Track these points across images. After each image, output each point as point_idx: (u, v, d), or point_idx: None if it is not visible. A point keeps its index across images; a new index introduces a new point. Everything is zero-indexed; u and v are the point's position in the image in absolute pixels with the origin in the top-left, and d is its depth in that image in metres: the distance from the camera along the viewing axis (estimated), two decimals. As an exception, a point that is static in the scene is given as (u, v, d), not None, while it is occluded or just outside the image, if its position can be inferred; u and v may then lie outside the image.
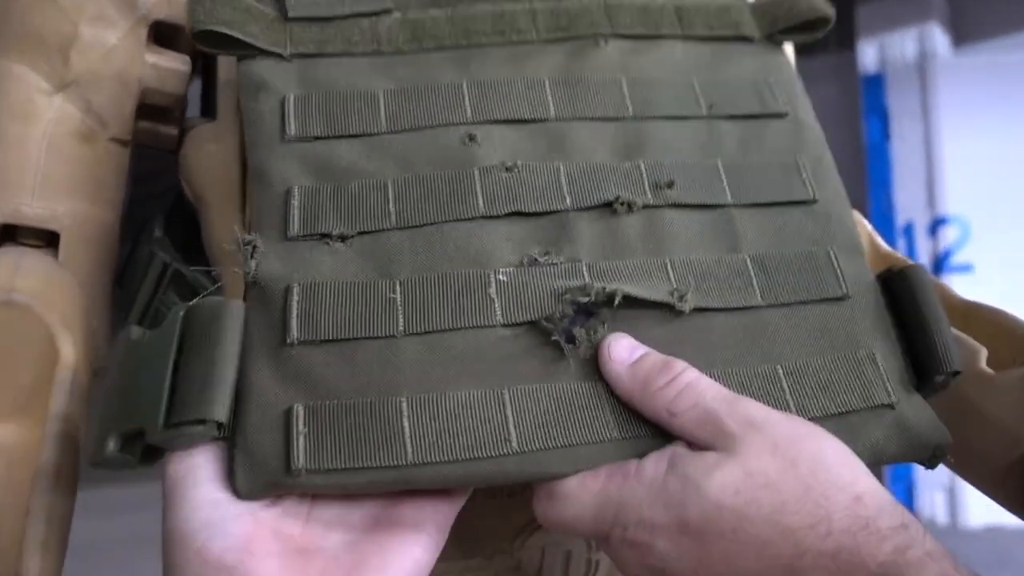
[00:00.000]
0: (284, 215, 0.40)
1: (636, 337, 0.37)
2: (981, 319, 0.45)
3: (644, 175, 0.42)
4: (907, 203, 3.00)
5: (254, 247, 0.38)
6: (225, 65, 0.51)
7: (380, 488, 0.34)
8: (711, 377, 0.36)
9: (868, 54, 3.14)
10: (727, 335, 0.39)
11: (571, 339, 0.37)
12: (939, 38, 3.02)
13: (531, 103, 0.44)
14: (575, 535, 0.36)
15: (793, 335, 0.39)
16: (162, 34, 0.51)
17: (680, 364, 0.36)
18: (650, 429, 0.36)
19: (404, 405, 0.34)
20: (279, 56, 0.44)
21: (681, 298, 0.38)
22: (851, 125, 3.21)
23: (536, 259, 0.39)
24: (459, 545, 0.49)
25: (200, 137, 0.52)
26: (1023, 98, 2.91)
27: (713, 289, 0.39)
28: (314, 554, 0.33)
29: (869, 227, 0.54)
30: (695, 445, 0.34)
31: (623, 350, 0.36)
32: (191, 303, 0.36)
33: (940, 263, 2.94)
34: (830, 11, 0.50)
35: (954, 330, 0.42)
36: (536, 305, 0.37)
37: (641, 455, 0.35)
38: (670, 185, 0.42)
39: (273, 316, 0.37)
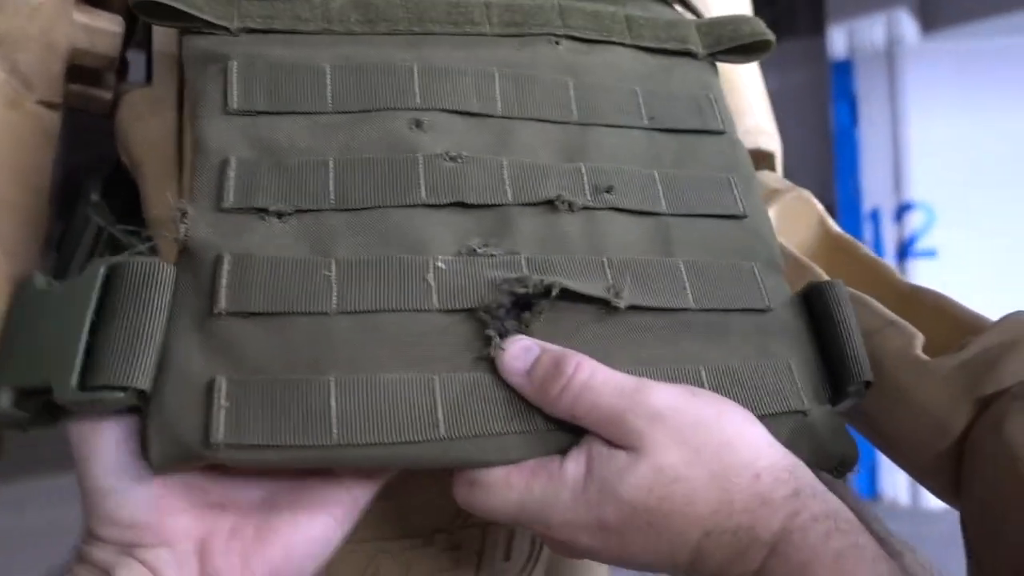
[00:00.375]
0: (219, 185, 0.38)
1: (571, 332, 0.38)
2: (923, 303, 0.45)
3: (585, 178, 0.43)
4: (874, 188, 3.03)
5: (184, 213, 0.37)
6: (160, 31, 0.49)
7: (301, 466, 0.34)
8: (642, 375, 0.36)
9: (837, 40, 3.16)
10: (658, 334, 0.39)
11: (504, 331, 0.37)
12: (907, 24, 3.05)
13: (480, 95, 0.44)
14: (497, 522, 0.37)
15: (719, 341, 0.40)
16: (92, -7, 0.49)
17: (572, 362, 0.35)
18: None
19: (332, 384, 0.34)
20: (225, 30, 0.43)
21: (617, 294, 0.38)
22: (820, 110, 3.24)
23: (475, 249, 0.39)
24: (399, 524, 0.48)
25: (135, 103, 0.50)
26: (990, 84, 2.94)
27: (648, 289, 0.40)
28: (227, 508, 0.34)
29: (820, 208, 0.54)
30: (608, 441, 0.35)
31: (516, 358, 0.36)
32: (115, 259, 0.35)
33: (905, 248, 2.97)
34: (771, 35, 0.51)
35: (891, 315, 0.43)
36: (473, 293, 0.37)
37: (564, 446, 0.36)
38: (609, 190, 0.42)
39: (201, 284, 0.36)
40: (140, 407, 0.34)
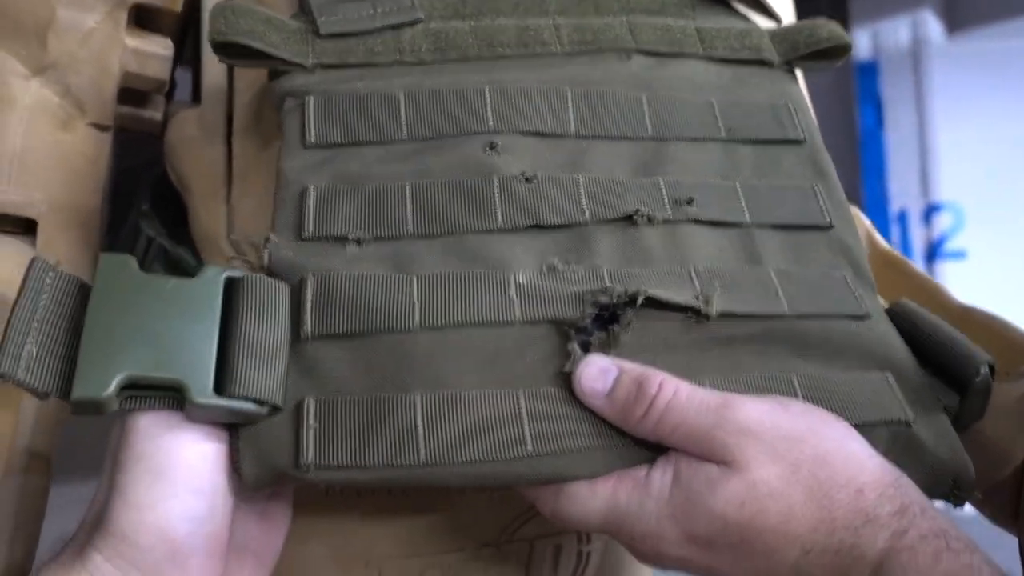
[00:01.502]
0: (299, 215, 0.39)
1: (659, 344, 0.37)
2: (976, 325, 0.44)
3: (663, 191, 0.42)
4: (901, 190, 3.00)
5: (267, 239, 0.38)
6: (209, 53, 0.50)
7: (388, 485, 0.34)
8: (732, 386, 0.36)
9: (862, 41, 3.13)
10: (749, 343, 0.38)
11: (588, 345, 0.36)
12: (933, 25, 3.02)
13: (553, 115, 0.44)
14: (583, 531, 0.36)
15: (813, 350, 0.38)
16: (142, 17, 0.50)
17: (654, 382, 0.34)
18: None
19: (418, 402, 0.34)
20: (301, 67, 0.43)
21: (707, 301, 0.37)
22: (845, 113, 3.21)
23: (556, 266, 0.38)
24: (448, 538, 0.48)
25: (184, 124, 0.51)
26: (1017, 84, 2.91)
27: (738, 296, 0.38)
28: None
29: (867, 222, 0.53)
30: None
31: (595, 380, 0.35)
32: (229, 270, 0.35)
33: (934, 250, 2.94)
34: (849, 39, 0.51)
35: None
36: (556, 305, 0.36)
37: (652, 458, 0.35)
38: (689, 202, 0.41)
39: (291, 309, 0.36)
40: (231, 426, 0.34)
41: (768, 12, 0.53)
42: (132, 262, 0.34)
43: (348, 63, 0.44)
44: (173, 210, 0.56)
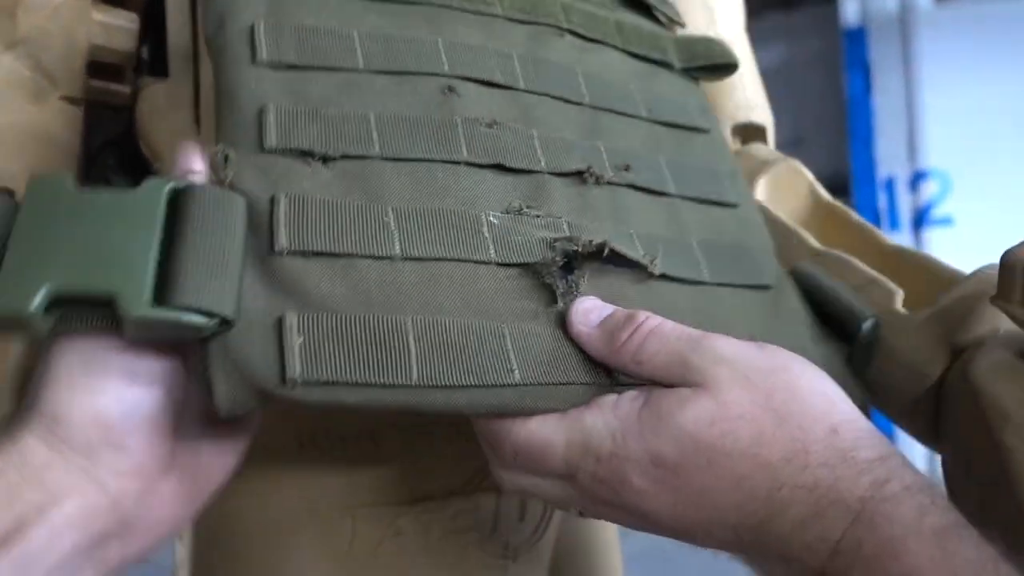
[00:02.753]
0: (259, 130, 0.38)
1: (610, 295, 0.38)
2: (906, 262, 0.48)
3: (604, 155, 0.45)
4: (888, 157, 3.00)
5: (227, 156, 0.36)
6: (175, 26, 0.52)
7: (379, 406, 0.33)
8: None
9: (850, 7, 3.13)
10: (686, 303, 0.41)
11: (559, 288, 0.38)
12: (921, -10, 3.01)
13: (503, 71, 0.45)
14: (542, 472, 0.35)
15: (738, 310, 0.43)
16: (109, -8, 0.52)
17: (643, 313, 0.35)
18: None
19: (410, 324, 0.34)
20: None
21: (652, 261, 0.40)
22: (833, 79, 3.21)
23: (521, 208, 0.40)
24: (418, 487, 0.50)
25: (154, 95, 0.53)
26: (1005, 50, 2.90)
27: (672, 261, 0.42)
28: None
29: (810, 176, 0.57)
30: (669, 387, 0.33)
31: (589, 312, 0.36)
32: (180, 181, 0.33)
33: (921, 217, 2.95)
34: (736, 60, 0.56)
35: (873, 273, 0.46)
36: (526, 249, 0.38)
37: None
38: (627, 168, 0.44)
39: (258, 224, 0.35)
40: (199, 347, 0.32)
41: (674, 20, 0.58)
42: (68, 180, 0.32)
43: None
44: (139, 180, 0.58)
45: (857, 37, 3.11)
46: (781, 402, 0.31)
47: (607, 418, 0.33)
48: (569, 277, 0.38)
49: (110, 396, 0.31)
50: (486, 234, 0.38)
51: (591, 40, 0.51)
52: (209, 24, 0.42)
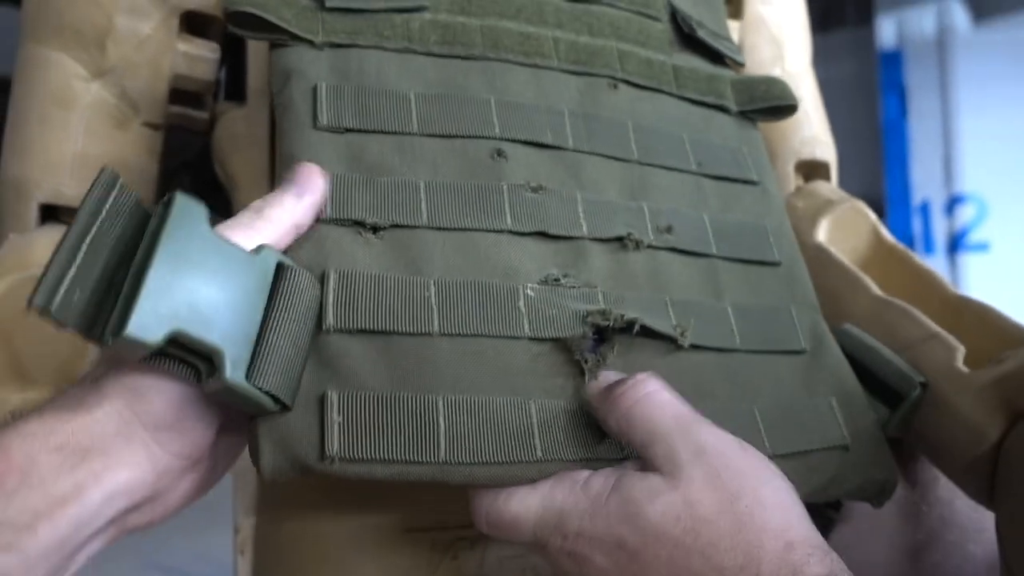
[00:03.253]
0: None
1: (639, 367, 0.39)
2: (969, 313, 0.47)
3: (647, 217, 0.45)
4: (924, 181, 2.98)
5: None
6: (255, 53, 0.53)
7: (407, 480, 0.35)
8: (701, 410, 0.37)
9: (886, 30, 3.12)
10: (714, 372, 0.42)
11: (586, 361, 0.39)
12: (959, 13, 3.00)
13: (553, 130, 0.46)
14: (514, 541, 0.36)
15: (764, 379, 0.43)
16: (192, 22, 0.53)
17: (643, 375, 0.36)
18: None
19: (440, 403, 0.35)
20: (310, 43, 0.44)
21: (683, 333, 0.41)
22: (868, 102, 3.19)
23: (558, 278, 0.41)
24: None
25: (231, 121, 0.54)
26: (1044, 75, 2.88)
27: (704, 329, 0.43)
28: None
29: (873, 217, 0.56)
30: (645, 464, 0.35)
31: (604, 380, 0.37)
32: (281, 256, 0.35)
33: (956, 242, 2.93)
34: (796, 101, 0.55)
35: (935, 327, 0.45)
36: (559, 323, 0.39)
37: None
38: (669, 230, 0.45)
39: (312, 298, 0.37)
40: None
41: (735, 60, 0.58)
42: (205, 212, 0.33)
43: (357, 44, 0.45)
44: (210, 205, 0.59)
45: (893, 60, 3.10)
46: (744, 508, 0.32)
47: (577, 498, 0.34)
48: (598, 350, 0.39)
49: (189, 383, 0.32)
50: (522, 308, 0.39)
51: (645, 88, 0.51)
52: (275, 80, 0.44)
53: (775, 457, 0.39)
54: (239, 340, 0.32)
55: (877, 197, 3.17)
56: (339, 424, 0.34)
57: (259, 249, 0.34)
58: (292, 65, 0.43)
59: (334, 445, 0.33)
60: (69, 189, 0.50)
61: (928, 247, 2.97)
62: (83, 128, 0.50)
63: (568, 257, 0.42)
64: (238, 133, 0.53)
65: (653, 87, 0.52)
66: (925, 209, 2.98)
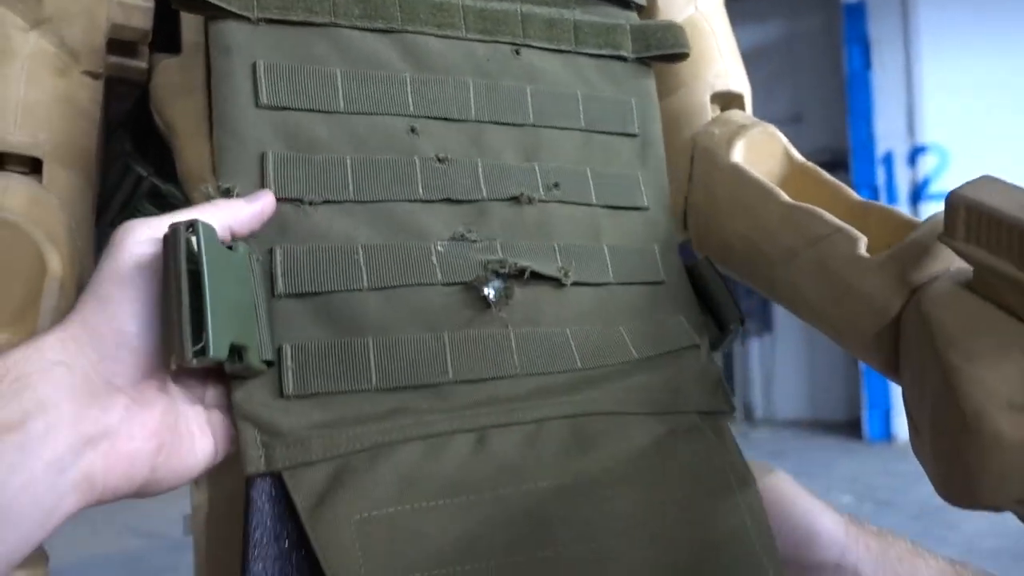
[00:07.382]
0: (260, 176, 0.47)
1: (533, 299, 0.49)
2: (875, 214, 0.51)
3: (539, 176, 0.54)
4: (887, 132, 3.02)
5: (236, 193, 0.46)
6: (188, 21, 0.55)
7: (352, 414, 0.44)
8: (583, 331, 0.50)
9: (849, -17, 3.14)
10: (592, 301, 0.52)
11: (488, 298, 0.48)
12: (919, -35, 3.02)
13: (458, 104, 0.53)
14: None
15: (631, 304, 0.54)
16: (126, -27, 0.55)
17: None
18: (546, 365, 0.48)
19: (371, 343, 0.45)
20: (247, 19, 0.49)
21: (566, 274, 0.51)
22: (832, 55, 3.22)
23: (463, 235, 0.50)
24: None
25: (168, 70, 0.56)
26: (1005, 25, 2.91)
27: (584, 267, 0.52)
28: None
29: (784, 140, 0.60)
30: None
31: None
32: (248, 247, 0.44)
33: (919, 191, 2.98)
34: (688, 48, 0.61)
35: (840, 222, 0.49)
36: (465, 270, 0.48)
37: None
38: (556, 186, 0.54)
39: (263, 270, 0.45)
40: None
41: (637, 3, 0.63)
42: (215, 232, 0.40)
43: (289, 20, 0.50)
44: (154, 153, 0.62)
45: (857, 12, 3.12)
46: None
47: None
48: (503, 288, 0.49)
49: (128, 311, 0.38)
50: (434, 261, 0.48)
51: (546, 50, 0.58)
52: (214, 51, 0.49)
53: (640, 359, 0.51)
54: (255, 331, 0.41)
55: (841, 148, 3.21)
56: (292, 370, 0.43)
57: (234, 247, 0.42)
58: (230, 40, 0.49)
59: (289, 386, 0.43)
60: (14, 137, 0.51)
61: (891, 197, 3.01)
62: (25, 77, 0.52)
63: (472, 216, 0.51)
64: (174, 81, 0.54)
65: (553, 48, 0.58)
66: (888, 160, 3.02)
